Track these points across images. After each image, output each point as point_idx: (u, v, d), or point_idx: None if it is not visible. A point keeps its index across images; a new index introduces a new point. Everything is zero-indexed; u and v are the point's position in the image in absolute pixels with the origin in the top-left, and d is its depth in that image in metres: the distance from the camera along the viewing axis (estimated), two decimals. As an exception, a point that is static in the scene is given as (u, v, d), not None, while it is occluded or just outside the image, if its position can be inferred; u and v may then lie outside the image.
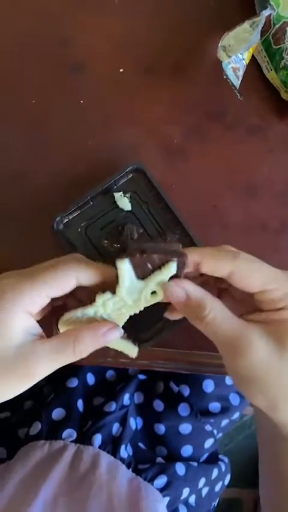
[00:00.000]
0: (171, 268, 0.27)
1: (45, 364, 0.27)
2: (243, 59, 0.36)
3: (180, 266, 0.28)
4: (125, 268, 0.27)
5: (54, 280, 0.28)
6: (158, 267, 0.27)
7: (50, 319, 0.31)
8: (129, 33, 0.40)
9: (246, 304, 0.30)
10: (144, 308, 0.30)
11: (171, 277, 0.28)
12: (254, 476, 1.01)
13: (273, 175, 0.40)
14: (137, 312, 0.29)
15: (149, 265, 0.27)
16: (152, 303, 0.29)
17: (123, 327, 0.29)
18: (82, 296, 0.31)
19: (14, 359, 0.27)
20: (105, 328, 0.28)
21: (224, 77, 0.35)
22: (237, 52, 0.35)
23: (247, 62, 0.37)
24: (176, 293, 0.28)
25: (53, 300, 0.29)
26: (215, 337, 0.28)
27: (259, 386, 0.27)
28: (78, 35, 0.39)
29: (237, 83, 0.36)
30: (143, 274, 0.28)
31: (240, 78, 0.37)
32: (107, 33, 0.40)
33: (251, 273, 0.27)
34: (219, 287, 0.31)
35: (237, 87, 0.36)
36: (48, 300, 0.28)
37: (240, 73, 0.37)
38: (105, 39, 0.40)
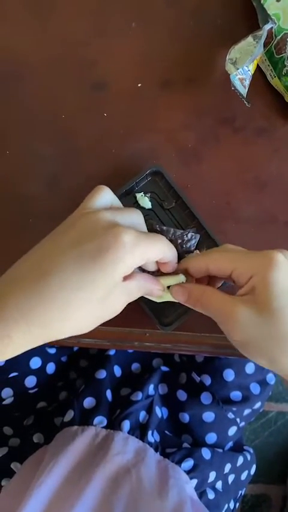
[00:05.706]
0: (180, 278, 0.35)
1: (124, 297, 0.32)
2: (249, 70, 0.39)
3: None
4: None
5: (166, 247, 0.33)
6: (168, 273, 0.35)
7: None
8: (146, 52, 0.43)
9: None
10: None
11: None
12: (282, 472, 1.01)
13: (281, 172, 0.42)
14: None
15: None
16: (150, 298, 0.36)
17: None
18: None
19: (111, 292, 0.30)
20: (157, 287, 0.34)
21: (232, 88, 0.38)
22: (243, 64, 0.38)
23: (252, 73, 0.40)
24: (181, 292, 0.34)
25: None
26: (211, 313, 0.33)
27: (253, 347, 0.31)
28: (101, 57, 0.43)
29: (244, 92, 0.39)
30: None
31: (247, 88, 0.39)
32: (126, 54, 0.43)
33: (217, 261, 0.32)
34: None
35: (245, 96, 0.39)
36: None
37: (247, 83, 0.39)
38: (124, 59, 0.43)
